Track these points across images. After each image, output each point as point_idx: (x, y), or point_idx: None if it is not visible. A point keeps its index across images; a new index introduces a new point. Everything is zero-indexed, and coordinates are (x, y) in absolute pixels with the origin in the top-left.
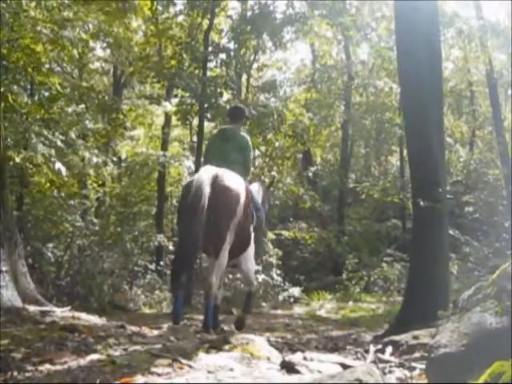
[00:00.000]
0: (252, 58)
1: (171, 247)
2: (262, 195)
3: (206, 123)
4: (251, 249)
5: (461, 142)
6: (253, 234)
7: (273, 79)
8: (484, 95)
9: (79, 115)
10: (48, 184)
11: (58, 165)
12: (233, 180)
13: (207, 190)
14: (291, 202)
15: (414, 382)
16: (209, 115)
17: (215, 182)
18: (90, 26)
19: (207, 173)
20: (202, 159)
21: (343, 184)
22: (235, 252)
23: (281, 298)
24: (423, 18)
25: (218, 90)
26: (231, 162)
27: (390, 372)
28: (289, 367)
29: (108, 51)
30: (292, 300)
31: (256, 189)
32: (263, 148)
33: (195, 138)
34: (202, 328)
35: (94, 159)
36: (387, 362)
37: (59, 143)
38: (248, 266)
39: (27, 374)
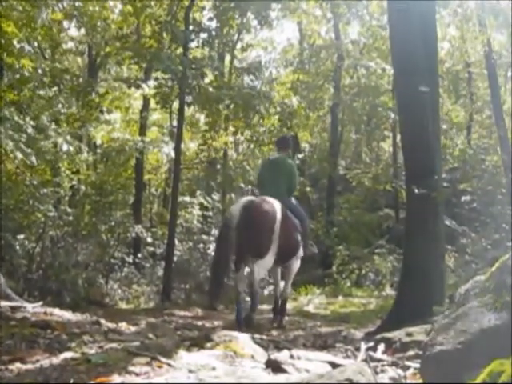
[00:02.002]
0: (236, 37)
1: (149, 238)
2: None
3: (186, 107)
4: (299, 253)
5: (458, 127)
6: (300, 240)
7: (258, 60)
8: (482, 77)
9: (51, 98)
10: (17, 171)
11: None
12: (267, 205)
13: (235, 220)
14: None
15: (407, 381)
16: (190, 98)
17: (252, 208)
18: (65, 4)
19: (238, 204)
20: (256, 182)
21: (333, 171)
22: (286, 257)
23: (266, 292)
24: None
25: (200, 72)
26: (280, 185)
27: (383, 371)
28: (275, 366)
29: (83, 31)
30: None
31: (294, 203)
32: (248, 133)
33: (175, 123)
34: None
35: (68, 145)
36: (379, 360)
37: (30, 129)
38: (293, 270)
39: None
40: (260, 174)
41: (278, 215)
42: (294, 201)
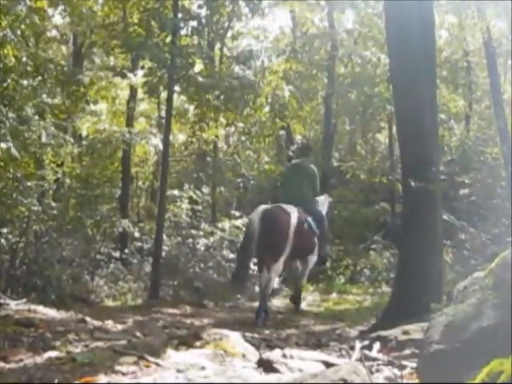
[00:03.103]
0: (226, 25)
1: (137, 233)
2: (328, 204)
3: (175, 96)
4: (315, 251)
5: (456, 118)
6: (316, 241)
7: (249, 49)
8: (481, 66)
9: (35, 88)
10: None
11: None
12: (282, 213)
13: (256, 225)
14: (268, 185)
15: (404, 381)
16: (179, 88)
17: (268, 216)
18: None
19: (257, 212)
20: (281, 186)
21: (326, 164)
22: (302, 255)
23: (257, 289)
24: None
25: (189, 61)
26: (303, 188)
27: (378, 371)
28: (266, 366)
29: (67, 19)
30: (270, 291)
31: (322, 199)
32: (240, 124)
33: (163, 114)
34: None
35: (52, 137)
36: (374, 359)
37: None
38: (309, 264)
39: None
40: (284, 177)
41: (293, 221)
42: (322, 197)
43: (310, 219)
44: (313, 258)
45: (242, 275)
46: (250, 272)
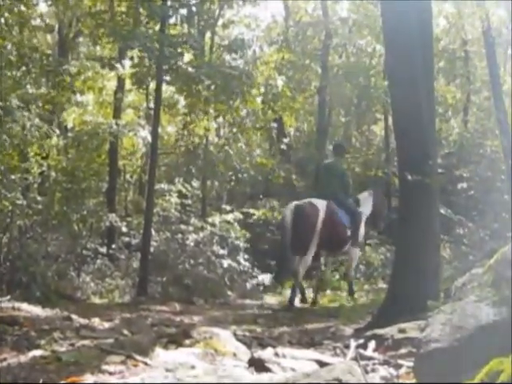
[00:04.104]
0: (217, 13)
1: (124, 228)
2: (374, 199)
3: (164, 87)
4: (355, 244)
5: (454, 109)
6: (348, 234)
7: (240, 38)
8: (480, 56)
9: (20, 79)
10: None
11: None
12: (310, 208)
13: (289, 218)
14: (261, 178)
15: (400, 381)
16: (168, 78)
17: (298, 211)
18: None
19: (288, 208)
20: (316, 183)
21: (320, 157)
22: (335, 248)
23: (249, 285)
24: None
25: (179, 50)
26: (334, 185)
27: (374, 370)
28: (258, 365)
29: (53, 7)
30: (262, 288)
31: (365, 195)
32: (230, 117)
33: (152, 105)
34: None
35: (37, 129)
36: (370, 358)
37: None
38: (352, 256)
39: None
40: (319, 176)
41: (321, 215)
42: (365, 194)
43: (340, 213)
44: (354, 252)
45: (285, 269)
46: (242, 268)
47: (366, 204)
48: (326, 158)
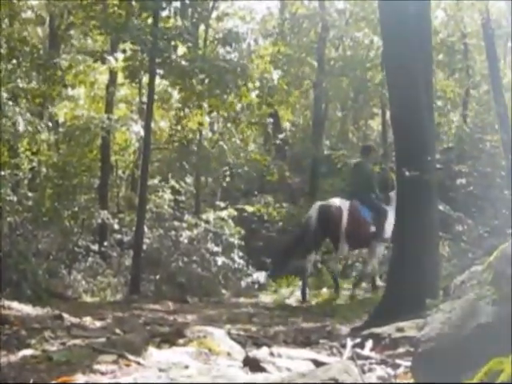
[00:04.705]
0: (211, 5)
1: (116, 225)
2: None
3: (157, 81)
4: (379, 240)
5: (453, 103)
6: (372, 230)
7: (235, 30)
8: (479, 49)
9: (10, 72)
10: None
11: None
12: (333, 207)
13: (314, 217)
14: (255, 174)
15: (398, 381)
16: (161, 72)
17: (322, 211)
18: None
19: (315, 206)
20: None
21: (316, 152)
22: (360, 244)
23: (244, 284)
24: None
25: (172, 43)
26: (360, 184)
27: (371, 370)
28: (253, 364)
29: None
30: (257, 286)
31: (392, 195)
32: (224, 111)
33: (145, 99)
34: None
35: (27, 123)
36: (367, 358)
37: None
38: (375, 252)
39: None
40: (347, 175)
41: (344, 214)
42: (393, 194)
43: (363, 210)
44: (378, 247)
45: (283, 266)
46: (237, 266)
47: (392, 202)
48: (323, 154)
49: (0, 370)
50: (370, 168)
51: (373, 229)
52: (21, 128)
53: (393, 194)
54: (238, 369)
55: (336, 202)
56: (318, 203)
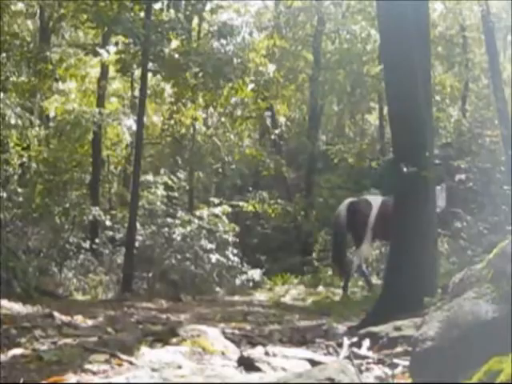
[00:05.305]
0: None
1: (108, 222)
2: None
3: (150, 75)
4: None
5: (451, 98)
6: None
7: (229, 23)
8: (479, 42)
9: (0, 66)
10: None
11: None
12: (363, 203)
13: (343, 214)
14: (250, 170)
15: (395, 381)
16: (154, 65)
17: (351, 208)
18: None
19: (344, 203)
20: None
21: (312, 147)
22: (388, 239)
23: (238, 281)
24: None
25: (165, 36)
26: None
27: (368, 370)
28: (247, 364)
29: None
30: (251, 284)
31: (437, 189)
32: (219, 106)
33: (137, 93)
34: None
35: (17, 118)
36: (364, 357)
37: None
38: None
39: None
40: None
41: (374, 210)
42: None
43: None
44: None
45: (338, 260)
46: (231, 263)
47: (438, 198)
48: (319, 149)
49: None
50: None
51: None
52: (10, 122)
53: (438, 188)
54: (233, 368)
55: (367, 198)
56: (348, 200)
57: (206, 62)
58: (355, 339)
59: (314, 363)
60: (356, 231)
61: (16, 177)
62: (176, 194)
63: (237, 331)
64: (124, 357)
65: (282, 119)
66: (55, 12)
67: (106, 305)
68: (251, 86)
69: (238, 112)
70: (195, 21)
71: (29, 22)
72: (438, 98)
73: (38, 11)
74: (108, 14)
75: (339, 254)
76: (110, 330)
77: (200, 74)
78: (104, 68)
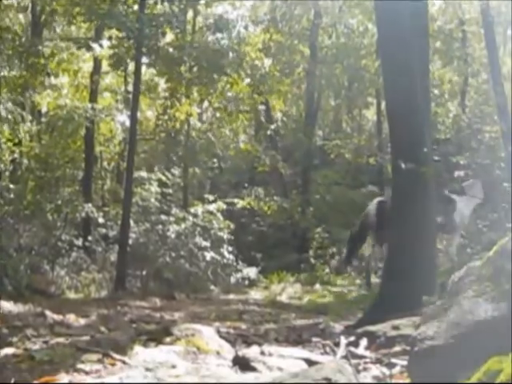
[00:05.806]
0: None
1: (101, 219)
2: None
3: (144, 69)
4: (453, 232)
5: (450, 93)
6: (439, 220)
7: (225, 17)
8: (478, 36)
9: None
10: None
11: None
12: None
13: (373, 212)
14: (245, 166)
15: (393, 381)
16: (148, 59)
17: (380, 206)
18: None
19: (373, 202)
20: None
21: (309, 143)
22: None
23: (233, 280)
24: None
25: (159, 30)
26: None
27: (365, 369)
28: (243, 364)
29: None
30: (247, 282)
31: (470, 184)
32: (214, 100)
33: (131, 88)
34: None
35: (8, 113)
36: (361, 357)
37: None
38: (451, 242)
39: None
40: None
41: None
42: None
43: None
44: (450, 237)
45: (350, 260)
46: (226, 261)
47: (474, 191)
48: (315, 144)
49: None
50: (436, 160)
51: (439, 220)
52: (2, 117)
53: (467, 184)
54: (228, 368)
55: None
56: (377, 199)
57: (201, 56)
58: (352, 338)
59: (310, 363)
60: (382, 230)
61: (7, 173)
62: (170, 191)
63: (232, 330)
64: (117, 356)
65: (278, 114)
66: (47, 5)
67: (98, 303)
68: (247, 80)
69: (233, 107)
70: (190, 14)
71: (20, 16)
72: (436, 92)
73: (30, 5)
74: (101, 7)
75: (354, 253)
76: (102, 329)
77: (195, 68)
78: (97, 62)
